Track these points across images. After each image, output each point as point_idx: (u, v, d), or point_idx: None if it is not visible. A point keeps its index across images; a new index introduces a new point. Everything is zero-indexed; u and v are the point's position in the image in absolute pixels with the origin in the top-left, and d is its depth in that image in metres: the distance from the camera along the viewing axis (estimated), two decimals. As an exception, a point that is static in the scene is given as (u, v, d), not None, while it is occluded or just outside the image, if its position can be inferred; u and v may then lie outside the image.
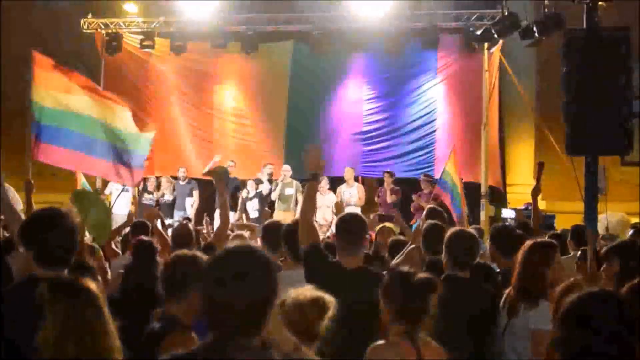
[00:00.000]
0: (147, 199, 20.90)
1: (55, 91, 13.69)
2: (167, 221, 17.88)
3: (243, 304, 3.31)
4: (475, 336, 6.53)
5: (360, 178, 21.31)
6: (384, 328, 5.29)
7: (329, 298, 4.71)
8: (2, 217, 9.25)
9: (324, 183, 19.97)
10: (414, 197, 19.67)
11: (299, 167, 20.11)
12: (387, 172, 20.48)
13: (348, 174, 20.56)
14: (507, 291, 6.58)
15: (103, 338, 3.89)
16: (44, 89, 13.51)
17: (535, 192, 9.88)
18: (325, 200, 19.79)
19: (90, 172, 16.22)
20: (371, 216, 11.77)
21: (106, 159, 14.17)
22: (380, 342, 5.19)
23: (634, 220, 19.66)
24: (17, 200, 16.64)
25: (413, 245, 8.53)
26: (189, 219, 18.59)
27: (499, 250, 8.23)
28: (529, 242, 6.66)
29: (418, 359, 5.03)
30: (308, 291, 4.58)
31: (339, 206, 16.09)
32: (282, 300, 4.45)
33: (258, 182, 20.99)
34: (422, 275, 5.29)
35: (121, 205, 19.34)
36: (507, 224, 13.98)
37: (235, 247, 3.48)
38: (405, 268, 5.50)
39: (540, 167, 10.28)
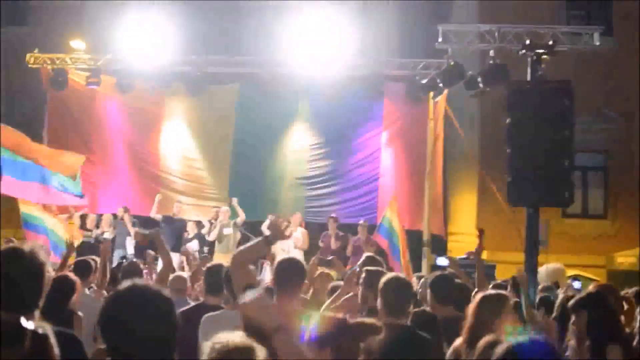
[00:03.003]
0: (86, 235, 20.60)
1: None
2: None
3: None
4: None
5: (302, 223, 21.21)
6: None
7: (259, 347, 4.60)
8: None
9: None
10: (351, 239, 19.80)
11: (248, 209, 20.15)
12: (332, 217, 20.50)
13: (296, 218, 20.39)
14: (457, 341, 6.51)
15: None
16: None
17: (478, 252, 9.99)
18: (283, 245, 19.58)
19: (44, 201, 17.41)
20: (312, 260, 11.69)
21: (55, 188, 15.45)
22: None
23: (572, 272, 19.84)
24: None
25: (351, 293, 8.42)
26: (125, 258, 18.37)
27: (438, 298, 8.22)
28: (481, 294, 6.65)
29: None
30: (238, 337, 4.48)
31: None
32: (213, 343, 4.36)
33: (198, 223, 20.87)
34: (360, 320, 5.22)
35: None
36: (446, 272, 13.96)
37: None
38: (340, 314, 5.42)
39: (481, 234, 10.47)
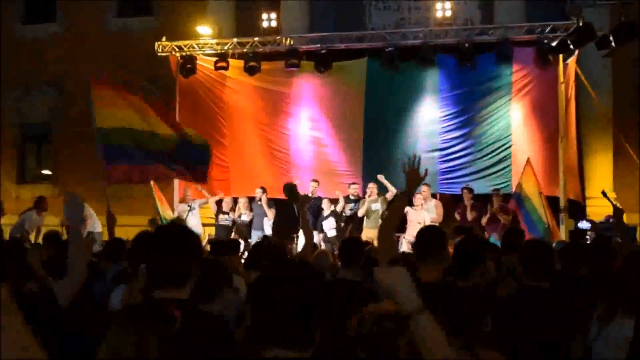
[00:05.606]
0: (223, 219, 20.95)
1: (113, 109, 14.21)
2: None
3: None
4: (557, 347, 6.39)
5: (437, 195, 21.14)
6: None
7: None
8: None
9: (419, 199, 19.68)
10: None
11: (381, 185, 20.06)
12: (467, 188, 20.33)
13: (425, 191, 20.26)
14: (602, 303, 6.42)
15: None
16: (104, 109, 14.03)
17: (618, 213, 9.78)
18: (418, 217, 19.46)
19: (154, 179, 17.03)
20: (450, 229, 11.65)
21: (164, 164, 14.85)
22: None
23: None
24: (97, 221, 17.21)
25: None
26: (267, 237, 18.56)
27: (567, 261, 8.19)
28: (627, 252, 6.53)
29: None
30: (387, 304, 4.48)
31: None
32: (361, 313, 4.38)
33: (333, 201, 20.93)
34: (461, 283, 5.20)
35: (194, 225, 19.38)
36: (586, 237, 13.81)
37: None
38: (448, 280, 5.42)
39: (604, 195, 10.37)
